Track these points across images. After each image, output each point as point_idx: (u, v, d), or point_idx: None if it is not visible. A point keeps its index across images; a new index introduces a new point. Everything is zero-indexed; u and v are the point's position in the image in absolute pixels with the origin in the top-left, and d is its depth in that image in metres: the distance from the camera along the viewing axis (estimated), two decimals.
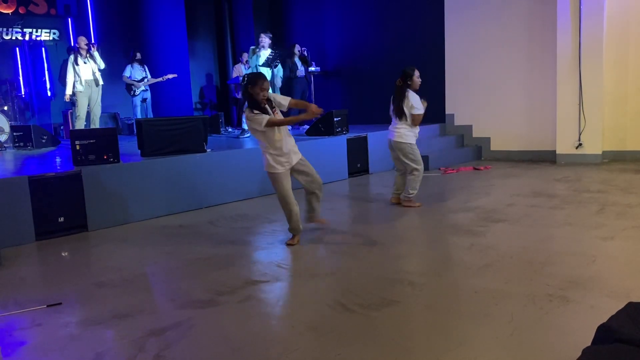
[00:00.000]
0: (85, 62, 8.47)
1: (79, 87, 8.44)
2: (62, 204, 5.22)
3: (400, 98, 5.65)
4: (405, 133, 5.68)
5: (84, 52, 8.47)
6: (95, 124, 8.71)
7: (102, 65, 8.72)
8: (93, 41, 9.06)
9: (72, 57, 8.50)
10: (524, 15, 8.95)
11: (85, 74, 8.50)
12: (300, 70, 10.01)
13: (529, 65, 9.01)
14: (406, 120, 5.64)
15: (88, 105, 8.56)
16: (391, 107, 5.77)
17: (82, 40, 8.57)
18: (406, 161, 5.72)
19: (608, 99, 8.35)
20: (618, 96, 8.38)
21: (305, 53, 10.34)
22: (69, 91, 8.46)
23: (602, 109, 8.27)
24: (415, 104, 5.64)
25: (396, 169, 6.02)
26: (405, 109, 5.63)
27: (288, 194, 4.49)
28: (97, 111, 8.72)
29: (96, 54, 8.59)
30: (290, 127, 5.05)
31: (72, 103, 8.62)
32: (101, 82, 8.73)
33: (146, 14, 12.82)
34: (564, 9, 8.28)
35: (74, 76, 8.43)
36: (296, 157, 4.48)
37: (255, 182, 6.78)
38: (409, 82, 5.67)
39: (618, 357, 1.42)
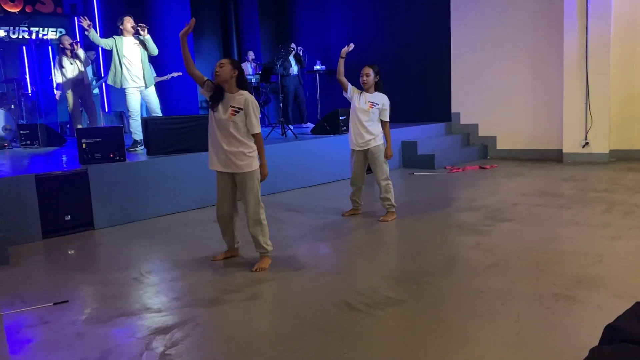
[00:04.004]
0: (71, 63, 8.54)
1: (66, 88, 8.55)
2: (69, 202, 5.24)
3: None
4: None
5: (69, 53, 8.54)
6: (95, 122, 8.80)
7: (88, 62, 8.88)
8: (77, 39, 9.13)
9: (57, 58, 8.61)
10: (530, 13, 8.91)
11: (72, 74, 8.57)
12: (293, 69, 10.06)
13: (535, 63, 8.98)
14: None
15: (82, 105, 8.68)
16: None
17: (67, 40, 8.58)
18: (384, 167, 5.26)
19: (615, 98, 8.31)
20: (625, 95, 8.34)
21: (301, 53, 10.38)
22: (57, 90, 8.61)
23: (609, 108, 8.23)
24: None
25: (356, 184, 5.48)
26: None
27: None
28: (92, 109, 8.81)
29: (80, 52, 8.64)
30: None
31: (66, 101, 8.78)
32: (88, 80, 8.84)
33: (152, 13, 12.85)
34: (570, 7, 8.24)
35: (61, 77, 8.54)
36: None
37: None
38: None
39: (625, 357, 1.41)
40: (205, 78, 3.89)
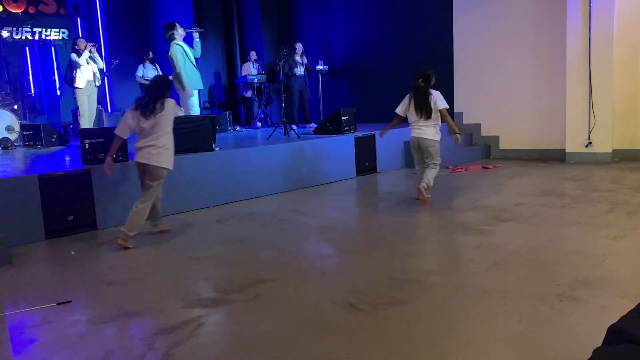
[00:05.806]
0: (87, 62, 8.83)
1: (78, 84, 8.79)
2: (72, 203, 5.25)
3: (426, 97, 5.73)
4: (435, 132, 5.82)
5: (87, 53, 8.88)
6: (90, 123, 9.01)
7: (102, 65, 9.15)
8: (93, 42, 9.38)
9: (74, 59, 8.82)
10: (533, 13, 8.89)
11: (86, 74, 8.85)
12: (299, 69, 10.10)
13: (538, 63, 8.96)
14: (434, 119, 5.74)
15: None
16: (412, 107, 5.81)
17: (82, 43, 8.94)
18: (433, 156, 5.85)
19: (618, 97, 8.28)
20: (628, 94, 8.31)
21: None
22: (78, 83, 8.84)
23: (612, 108, 8.20)
24: (443, 100, 5.84)
25: (418, 165, 6.07)
26: (432, 107, 5.72)
27: None
28: (93, 110, 9.06)
29: (96, 55, 8.97)
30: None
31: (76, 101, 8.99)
32: (99, 83, 9.13)
33: (154, 13, 12.87)
34: (574, 6, 8.22)
35: (80, 78, 8.84)
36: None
37: (263, 180, 6.79)
38: (432, 83, 5.80)
39: (629, 358, 1.41)
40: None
